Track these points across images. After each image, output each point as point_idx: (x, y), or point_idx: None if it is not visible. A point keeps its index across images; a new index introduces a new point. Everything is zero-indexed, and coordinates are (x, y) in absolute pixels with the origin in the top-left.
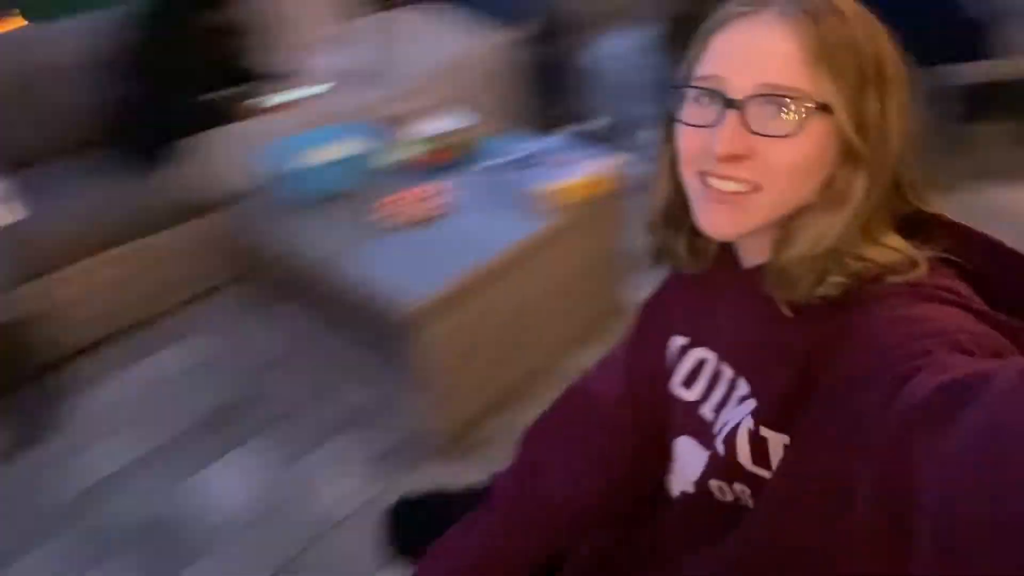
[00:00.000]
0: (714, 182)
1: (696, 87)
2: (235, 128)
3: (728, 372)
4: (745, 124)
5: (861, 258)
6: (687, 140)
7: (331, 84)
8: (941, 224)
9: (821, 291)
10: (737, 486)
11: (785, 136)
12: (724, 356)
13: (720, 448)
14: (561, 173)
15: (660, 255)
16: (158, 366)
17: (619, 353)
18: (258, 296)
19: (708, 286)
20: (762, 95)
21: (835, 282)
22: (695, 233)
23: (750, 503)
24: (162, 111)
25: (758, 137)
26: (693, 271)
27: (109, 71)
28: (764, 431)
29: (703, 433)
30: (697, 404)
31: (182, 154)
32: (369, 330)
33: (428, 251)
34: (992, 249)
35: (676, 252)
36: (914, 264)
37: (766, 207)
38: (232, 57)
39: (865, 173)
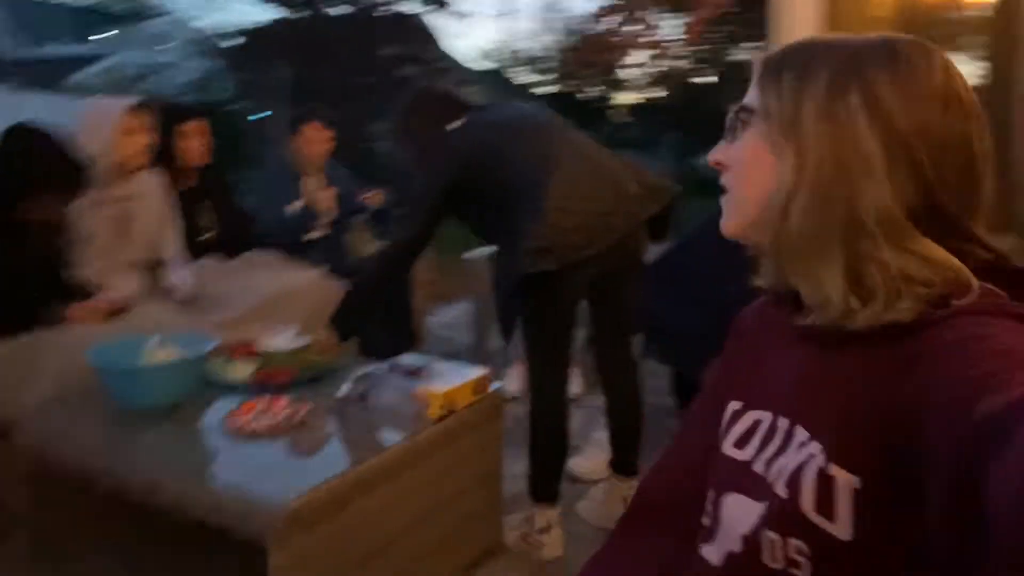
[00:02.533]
0: None
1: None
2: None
3: (784, 423)
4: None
5: (909, 277)
6: None
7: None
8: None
9: (882, 317)
10: (793, 542)
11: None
12: (779, 411)
13: (782, 491)
14: (428, 384)
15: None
16: None
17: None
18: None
19: (764, 341)
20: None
21: (903, 307)
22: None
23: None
24: None
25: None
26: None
27: None
28: (833, 469)
29: (755, 487)
30: (749, 462)
31: None
32: (214, 556)
33: (285, 463)
34: None
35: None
36: (965, 281)
37: (729, 206)
38: (45, 261)
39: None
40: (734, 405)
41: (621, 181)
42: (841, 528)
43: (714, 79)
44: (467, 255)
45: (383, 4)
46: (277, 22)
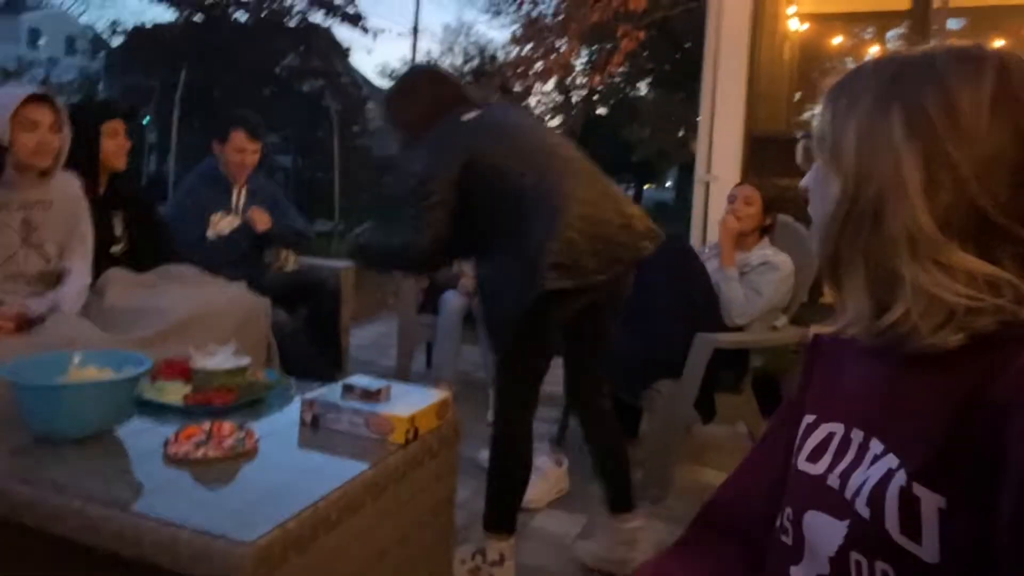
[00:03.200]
0: None
1: None
2: None
3: (858, 436)
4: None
5: (945, 291)
6: None
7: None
8: None
9: (953, 337)
10: (880, 565)
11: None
12: (853, 423)
13: (864, 511)
14: (390, 408)
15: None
16: None
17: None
18: None
19: (840, 356)
20: None
21: (984, 322)
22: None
23: None
24: None
25: None
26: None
27: None
28: (917, 489)
29: (833, 502)
30: (824, 476)
31: None
32: None
33: (241, 496)
34: None
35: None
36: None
37: None
38: None
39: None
40: (808, 419)
41: (628, 213)
42: (928, 551)
43: (604, 111)
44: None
45: (292, 13)
46: (173, 23)
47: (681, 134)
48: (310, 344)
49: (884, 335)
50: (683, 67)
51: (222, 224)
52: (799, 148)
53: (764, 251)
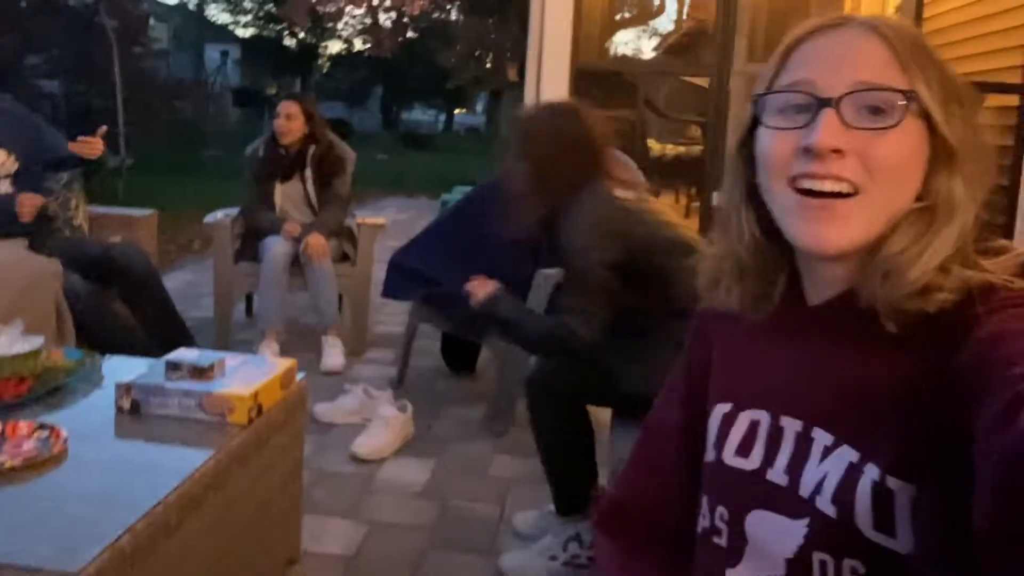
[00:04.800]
0: (810, 184)
1: (785, 91)
2: None
3: (793, 424)
4: (842, 120)
5: (961, 273)
6: (776, 145)
7: None
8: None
9: (927, 306)
10: (848, 562)
11: (883, 129)
12: (781, 410)
13: (828, 510)
14: (226, 385)
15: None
16: None
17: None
18: None
19: (742, 340)
20: (857, 91)
21: (942, 298)
22: (766, 279)
23: None
24: None
25: (855, 133)
26: (755, 318)
27: None
28: (891, 482)
29: (783, 501)
30: (761, 471)
31: None
32: None
33: (55, 512)
34: None
35: (742, 301)
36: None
37: (865, 213)
38: None
39: (962, 178)
40: (722, 408)
41: None
42: (902, 543)
43: (416, 35)
44: (209, 218)
45: None
46: None
47: (493, 61)
48: (147, 317)
49: (822, 314)
50: None
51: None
52: (870, 100)
53: None
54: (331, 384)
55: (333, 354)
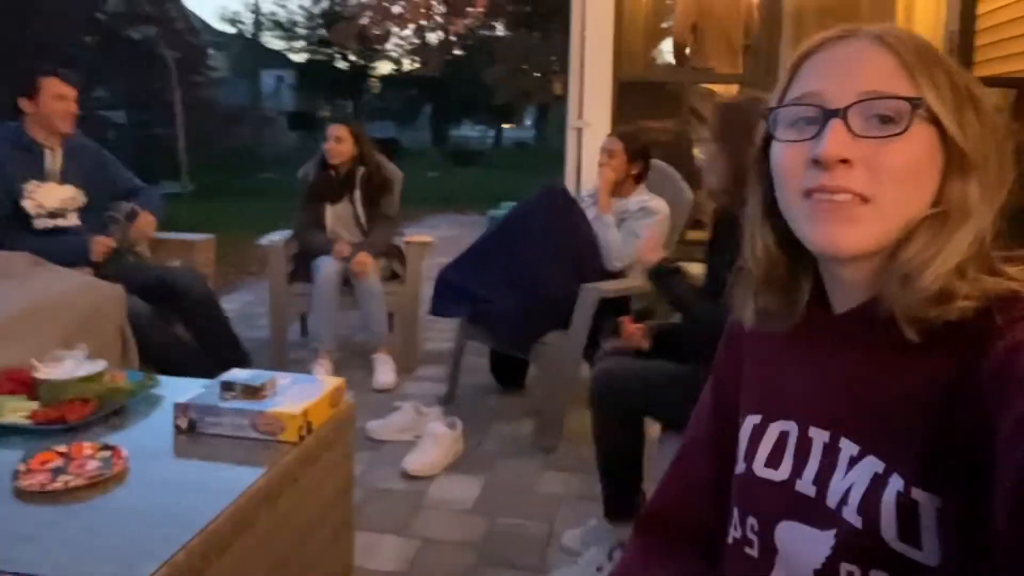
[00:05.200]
0: (822, 197)
1: (795, 104)
2: None
3: (821, 435)
4: (849, 130)
5: (981, 280)
6: (788, 157)
7: None
8: None
9: (948, 314)
10: (875, 573)
11: (891, 137)
12: (810, 421)
13: (854, 520)
14: (277, 404)
15: (761, 318)
16: None
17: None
18: None
19: (772, 351)
20: (864, 101)
21: (962, 306)
22: (786, 292)
23: None
24: None
25: (864, 142)
26: (783, 328)
27: None
28: (916, 493)
29: (811, 512)
30: (790, 482)
31: None
32: None
33: (115, 532)
34: None
35: (769, 311)
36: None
37: (877, 218)
38: None
39: (977, 183)
40: (752, 420)
41: None
42: (928, 555)
43: (462, 52)
44: (263, 240)
45: None
46: None
47: (539, 75)
48: (202, 337)
49: (846, 324)
50: (536, 7)
51: (39, 193)
52: (879, 109)
53: (641, 197)
54: (382, 401)
55: (384, 371)
